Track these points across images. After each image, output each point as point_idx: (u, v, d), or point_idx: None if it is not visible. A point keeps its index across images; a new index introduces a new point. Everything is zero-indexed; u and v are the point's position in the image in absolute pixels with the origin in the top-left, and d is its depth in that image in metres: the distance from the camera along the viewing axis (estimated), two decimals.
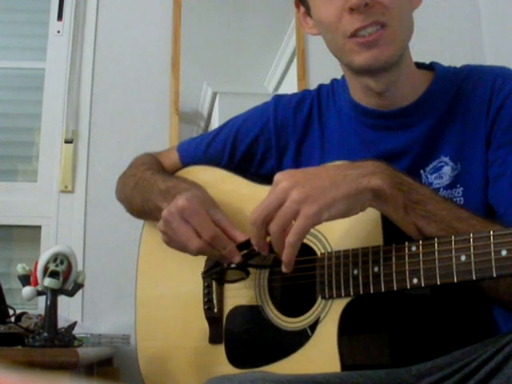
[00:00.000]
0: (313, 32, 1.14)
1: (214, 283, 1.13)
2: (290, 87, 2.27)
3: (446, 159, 1.07)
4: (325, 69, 2.24)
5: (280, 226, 0.87)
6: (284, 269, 0.91)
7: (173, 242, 1.06)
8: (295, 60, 2.32)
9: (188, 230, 1.01)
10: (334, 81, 1.23)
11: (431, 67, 1.14)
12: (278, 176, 0.90)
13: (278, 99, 1.26)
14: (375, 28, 1.01)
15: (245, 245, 1.00)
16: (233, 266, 1.02)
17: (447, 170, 1.07)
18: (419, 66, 1.14)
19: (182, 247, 1.05)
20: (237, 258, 1.01)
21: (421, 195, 0.90)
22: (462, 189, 1.05)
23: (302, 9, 1.16)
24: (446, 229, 0.88)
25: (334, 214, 0.86)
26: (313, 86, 1.28)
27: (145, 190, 1.20)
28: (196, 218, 1.02)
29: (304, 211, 0.85)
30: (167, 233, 1.05)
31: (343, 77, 1.18)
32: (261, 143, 1.23)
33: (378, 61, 1.03)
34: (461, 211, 0.90)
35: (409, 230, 0.90)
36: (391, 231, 0.92)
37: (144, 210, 1.23)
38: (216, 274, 1.05)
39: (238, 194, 1.16)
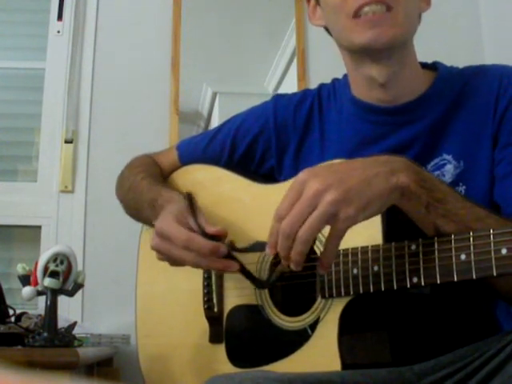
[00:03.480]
0: (319, 23, 1.15)
1: (213, 282, 1.13)
2: (290, 87, 2.27)
3: (449, 157, 1.06)
4: (325, 69, 2.25)
5: (314, 233, 0.82)
6: (322, 271, 0.88)
7: (179, 265, 1.04)
8: (295, 60, 2.32)
9: (175, 249, 1.00)
10: (335, 80, 1.23)
11: (434, 67, 1.14)
12: (302, 176, 0.84)
13: (278, 99, 1.25)
14: (379, 7, 1.01)
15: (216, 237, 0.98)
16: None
17: (449, 169, 1.06)
18: (423, 66, 1.14)
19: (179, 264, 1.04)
20: (222, 249, 0.97)
21: (441, 193, 0.88)
22: (464, 187, 1.05)
23: (313, 1, 1.16)
24: (463, 229, 0.85)
25: (369, 214, 0.84)
26: (313, 85, 1.28)
27: (137, 198, 1.21)
28: (170, 233, 1.00)
29: (342, 214, 0.80)
30: (164, 259, 1.05)
31: (345, 76, 1.18)
32: (261, 143, 1.23)
33: (379, 40, 1.02)
34: (478, 210, 0.89)
35: (427, 228, 0.88)
36: (391, 230, 0.92)
37: (139, 217, 1.24)
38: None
39: (238, 193, 1.16)
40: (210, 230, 0.98)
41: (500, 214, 0.97)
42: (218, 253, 0.97)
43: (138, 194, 1.20)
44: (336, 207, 0.80)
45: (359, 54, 1.07)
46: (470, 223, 0.86)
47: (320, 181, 0.82)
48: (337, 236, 0.83)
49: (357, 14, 1.03)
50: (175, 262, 1.03)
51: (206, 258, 0.97)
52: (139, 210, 1.20)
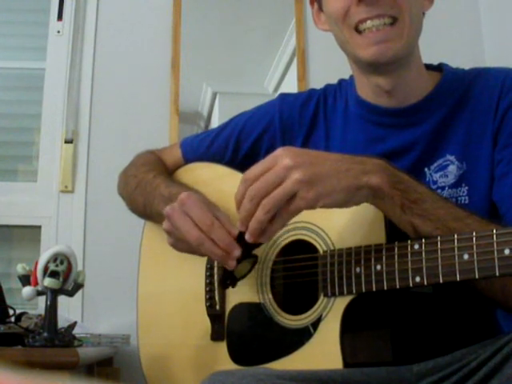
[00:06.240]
0: (325, 28, 1.15)
1: (215, 280, 1.13)
2: (290, 87, 2.27)
3: (452, 158, 1.07)
4: (325, 69, 2.25)
5: (276, 205, 0.86)
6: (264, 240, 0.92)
7: (178, 242, 1.04)
8: (295, 60, 2.32)
9: (187, 221, 1.00)
10: (341, 80, 1.24)
11: (439, 68, 1.14)
12: (279, 151, 0.89)
13: (284, 97, 1.26)
14: (383, 21, 1.01)
15: (240, 238, 0.96)
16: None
17: (452, 169, 1.06)
18: (428, 67, 1.14)
19: (186, 246, 1.03)
20: (236, 251, 0.97)
21: (418, 194, 0.90)
22: (466, 188, 1.05)
23: (316, 5, 1.17)
24: (441, 228, 0.88)
25: (330, 203, 0.87)
26: (313, 86, 1.28)
27: (147, 194, 1.20)
28: (195, 210, 1.00)
29: (302, 194, 0.85)
30: (171, 232, 1.04)
31: (351, 76, 1.19)
32: (265, 141, 1.23)
33: (385, 55, 1.03)
34: (457, 210, 0.91)
35: (405, 228, 0.90)
36: (394, 229, 0.92)
37: (146, 213, 1.23)
38: (229, 277, 1.01)
39: None
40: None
41: (496, 216, 0.98)
42: (232, 253, 0.97)
43: (150, 191, 1.19)
44: (298, 186, 0.85)
45: (365, 66, 1.07)
46: (448, 222, 0.88)
47: (292, 158, 0.86)
48: (289, 212, 0.87)
49: (359, 27, 1.03)
50: (181, 241, 1.02)
51: (220, 249, 0.98)
52: (148, 205, 1.19)
